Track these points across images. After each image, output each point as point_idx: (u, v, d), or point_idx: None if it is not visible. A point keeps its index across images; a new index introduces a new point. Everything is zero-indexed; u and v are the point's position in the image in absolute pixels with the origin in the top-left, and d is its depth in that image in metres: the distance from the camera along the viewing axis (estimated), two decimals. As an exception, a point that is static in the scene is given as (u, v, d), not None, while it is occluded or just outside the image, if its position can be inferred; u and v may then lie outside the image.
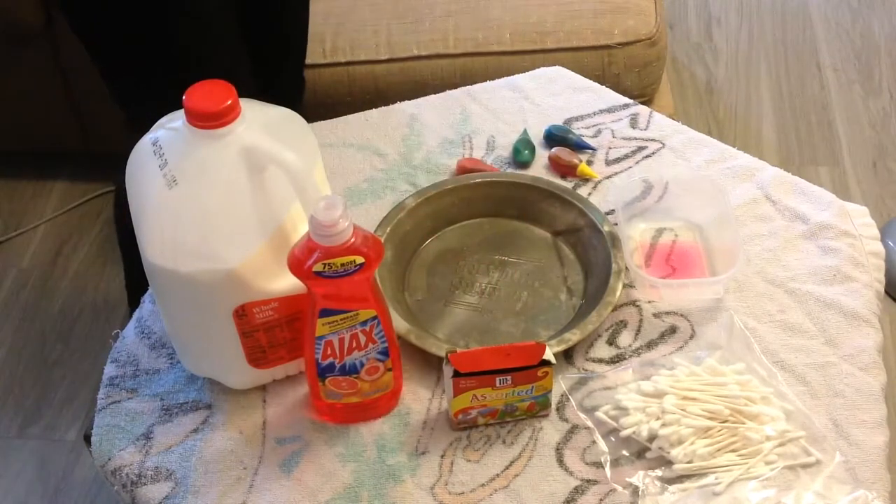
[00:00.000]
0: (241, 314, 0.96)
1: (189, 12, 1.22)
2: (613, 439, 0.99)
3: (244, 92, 0.94)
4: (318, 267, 0.88)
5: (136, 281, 1.41)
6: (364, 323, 0.94)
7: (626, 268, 1.10)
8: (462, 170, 1.25)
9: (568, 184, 1.23)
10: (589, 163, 1.26)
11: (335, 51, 1.82)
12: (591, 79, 1.40)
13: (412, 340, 1.05)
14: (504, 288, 1.14)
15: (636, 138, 1.29)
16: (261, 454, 1.01)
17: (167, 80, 1.21)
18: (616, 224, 1.14)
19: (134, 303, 1.21)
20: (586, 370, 1.05)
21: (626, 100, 1.36)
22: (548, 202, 1.19)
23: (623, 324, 1.09)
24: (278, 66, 1.50)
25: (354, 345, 0.95)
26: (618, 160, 1.27)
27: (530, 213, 1.20)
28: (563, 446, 1.00)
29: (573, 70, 1.42)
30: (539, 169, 1.26)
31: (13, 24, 1.96)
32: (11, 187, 2.24)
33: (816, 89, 2.35)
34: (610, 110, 1.34)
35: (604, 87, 1.38)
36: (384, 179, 1.26)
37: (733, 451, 0.96)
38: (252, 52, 1.38)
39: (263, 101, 1.00)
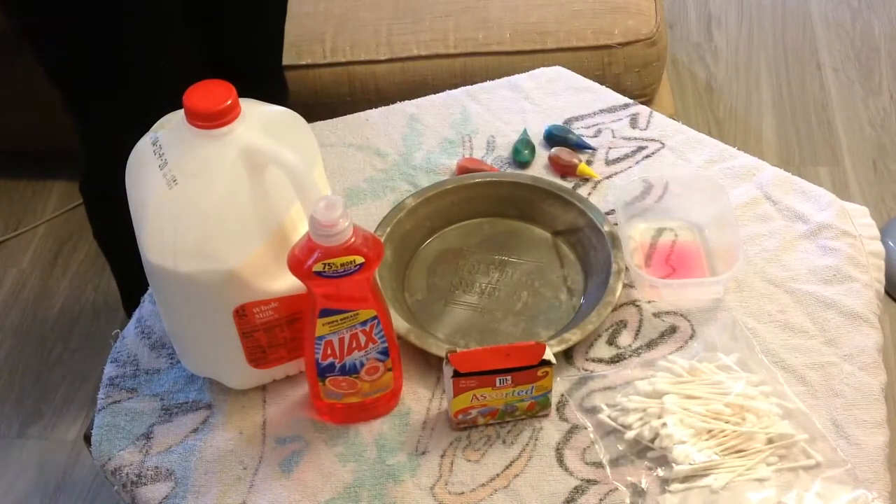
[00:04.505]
0: (241, 314, 0.96)
1: (139, 21, 1.23)
2: (613, 439, 0.99)
3: None
4: (318, 267, 0.88)
5: (129, 283, 1.42)
6: (364, 323, 0.94)
7: (626, 268, 1.10)
8: (462, 170, 1.25)
9: (568, 184, 1.23)
10: (589, 163, 1.26)
11: (335, 51, 1.82)
12: (591, 79, 1.40)
13: (412, 340, 1.05)
14: (504, 288, 1.14)
15: (636, 138, 1.29)
16: (261, 454, 1.01)
17: (119, 90, 1.22)
18: (616, 224, 1.14)
19: (129, 306, 1.21)
20: (586, 370, 1.05)
21: (626, 100, 1.36)
22: (548, 202, 1.19)
23: (623, 324, 1.09)
24: (252, 70, 1.50)
25: (354, 345, 0.95)
26: (618, 160, 1.27)
27: (530, 213, 1.20)
28: (563, 446, 1.00)
29: (573, 70, 1.42)
30: (539, 169, 1.26)
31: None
32: (11, 187, 2.23)
33: (816, 89, 2.35)
34: (610, 110, 1.34)
35: (604, 87, 1.38)
36: (384, 179, 1.26)
37: (734, 451, 0.96)
38: (221, 59, 1.38)
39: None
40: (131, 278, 1.06)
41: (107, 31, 1.21)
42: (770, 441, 0.97)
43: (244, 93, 0.94)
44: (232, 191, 0.92)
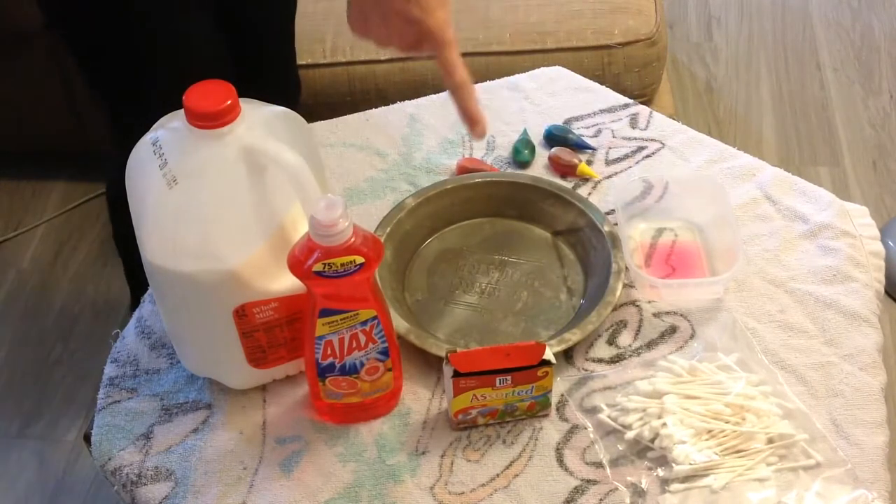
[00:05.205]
0: (241, 314, 0.96)
1: (168, 21, 1.22)
2: (613, 439, 0.99)
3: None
4: (318, 267, 0.88)
5: (139, 286, 1.42)
6: (364, 323, 0.94)
7: (626, 268, 1.10)
8: (462, 170, 1.25)
9: (568, 184, 1.23)
10: (589, 163, 1.26)
11: (335, 51, 1.82)
12: (591, 79, 1.40)
13: (412, 340, 1.05)
14: (504, 288, 1.14)
15: (636, 138, 1.29)
16: (261, 454, 1.01)
17: (150, 92, 1.21)
18: (616, 224, 1.14)
19: (136, 299, 1.21)
20: (586, 370, 1.05)
21: (626, 100, 1.36)
22: (548, 202, 1.19)
23: (623, 324, 1.09)
24: (266, 71, 1.49)
25: (354, 345, 0.95)
26: (618, 160, 1.27)
27: (530, 213, 1.20)
28: (563, 446, 1.00)
29: (573, 70, 1.42)
30: (539, 169, 1.26)
31: (13, 24, 1.96)
32: (11, 187, 2.24)
33: (816, 89, 2.35)
34: (610, 110, 1.34)
35: (604, 87, 1.38)
36: (384, 179, 1.26)
37: (734, 451, 0.96)
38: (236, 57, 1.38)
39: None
40: (142, 281, 1.06)
41: (137, 31, 1.21)
42: (770, 441, 0.97)
43: (253, 91, 0.94)
44: (232, 191, 0.92)
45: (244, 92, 0.95)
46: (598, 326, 1.07)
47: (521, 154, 1.26)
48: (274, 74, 1.52)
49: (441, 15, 0.99)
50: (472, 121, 1.04)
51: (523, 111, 1.34)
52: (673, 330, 1.08)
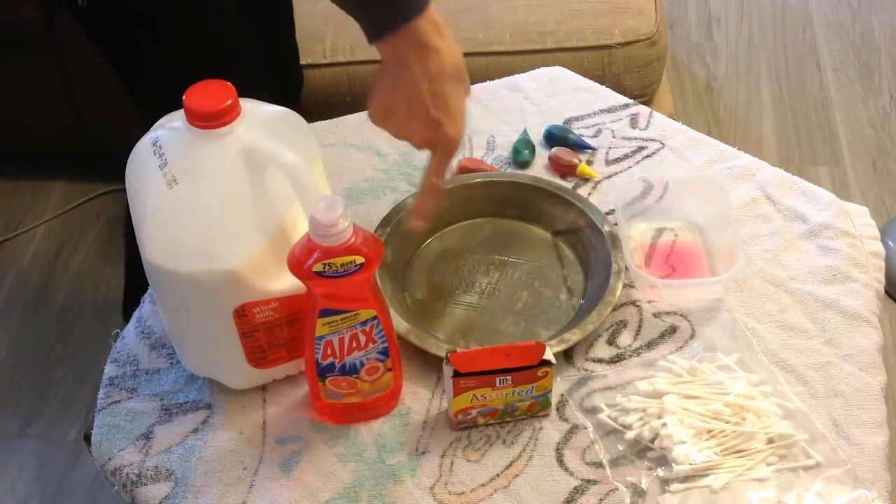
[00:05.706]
0: (241, 314, 0.96)
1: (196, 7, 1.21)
2: (613, 439, 0.99)
3: (256, 84, 0.93)
4: (318, 267, 0.88)
5: (136, 278, 1.41)
6: (364, 323, 0.94)
7: (626, 268, 1.10)
8: (462, 170, 1.25)
9: (568, 184, 1.23)
10: (589, 163, 1.26)
11: (335, 51, 1.82)
12: (591, 79, 1.40)
13: (412, 340, 1.05)
14: (504, 288, 1.14)
15: (636, 138, 1.29)
16: (261, 454, 1.01)
17: (178, 74, 1.20)
18: (616, 224, 1.14)
19: (131, 309, 1.20)
20: (586, 370, 1.05)
21: (626, 100, 1.35)
22: (548, 202, 1.19)
23: (623, 324, 1.09)
24: (275, 60, 1.49)
25: (354, 345, 0.95)
26: (618, 160, 1.27)
27: (530, 213, 1.20)
28: (563, 446, 1.00)
29: (573, 70, 1.42)
30: (539, 169, 1.26)
31: (13, 25, 1.96)
32: (11, 187, 2.24)
33: (816, 89, 2.35)
34: (610, 110, 1.34)
35: (604, 87, 1.38)
36: (384, 179, 1.26)
37: (734, 451, 0.96)
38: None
39: (268, 94, 1.00)
40: (138, 280, 1.06)
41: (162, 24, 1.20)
42: (770, 441, 0.97)
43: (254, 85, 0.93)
44: (232, 191, 0.92)
45: (246, 86, 0.95)
46: (598, 326, 1.07)
47: (521, 154, 1.26)
48: (277, 68, 1.52)
49: (461, 125, 1.04)
50: (420, 216, 1.09)
51: (523, 111, 1.34)
52: (673, 330, 1.08)
